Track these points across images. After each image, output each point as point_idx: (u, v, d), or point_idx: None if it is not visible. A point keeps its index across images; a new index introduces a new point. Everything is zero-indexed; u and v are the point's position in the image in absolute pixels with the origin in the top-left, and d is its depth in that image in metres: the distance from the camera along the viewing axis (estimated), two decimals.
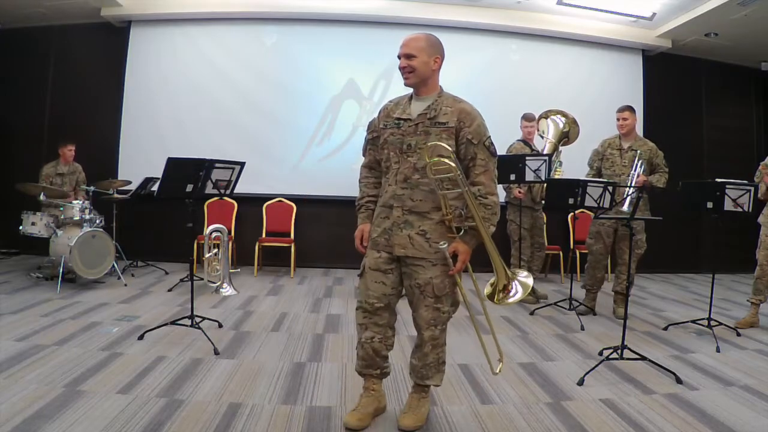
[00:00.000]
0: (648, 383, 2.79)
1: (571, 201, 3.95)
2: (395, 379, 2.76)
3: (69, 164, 5.49)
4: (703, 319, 3.82)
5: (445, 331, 2.23)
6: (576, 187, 3.92)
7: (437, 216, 2.10)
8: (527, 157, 4.40)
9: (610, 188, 3.88)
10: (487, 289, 2.19)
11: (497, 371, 2.26)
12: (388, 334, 2.24)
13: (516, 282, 2.17)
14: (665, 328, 3.97)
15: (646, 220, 3.99)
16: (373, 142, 2.28)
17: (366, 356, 2.23)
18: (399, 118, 2.16)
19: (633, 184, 4.05)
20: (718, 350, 3.41)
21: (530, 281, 2.18)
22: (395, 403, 2.45)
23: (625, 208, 3.90)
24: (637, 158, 4.15)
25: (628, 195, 4.01)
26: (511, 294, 2.16)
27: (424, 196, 2.10)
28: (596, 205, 3.86)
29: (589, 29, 6.54)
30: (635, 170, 4.11)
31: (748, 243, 4.43)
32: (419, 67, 2.09)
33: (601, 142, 4.49)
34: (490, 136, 2.12)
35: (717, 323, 3.78)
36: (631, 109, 4.27)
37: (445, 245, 2.07)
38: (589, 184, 3.88)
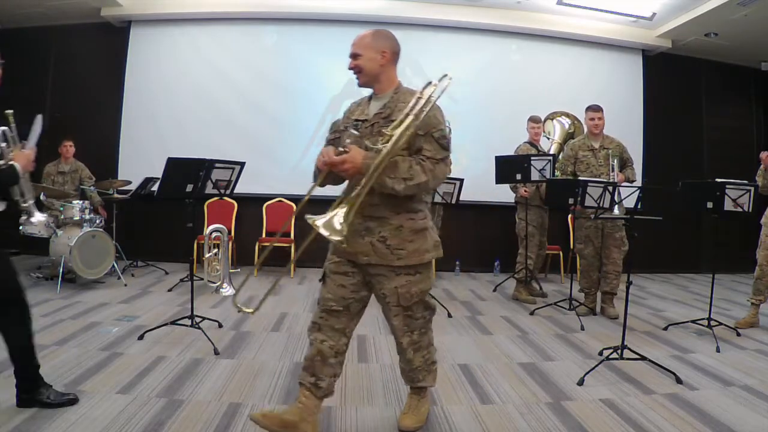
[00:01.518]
0: (648, 383, 2.79)
1: (570, 201, 3.96)
2: (395, 379, 2.76)
3: (70, 163, 5.49)
4: (703, 319, 3.82)
5: (426, 333, 2.16)
6: (576, 187, 3.93)
7: (396, 221, 1.98)
8: (532, 158, 4.51)
9: (610, 188, 3.88)
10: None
11: (239, 306, 1.98)
12: (341, 341, 2.06)
13: (336, 216, 1.77)
14: (665, 328, 3.97)
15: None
16: (334, 143, 2.08)
17: (308, 356, 2.05)
18: (357, 120, 2.06)
19: (617, 184, 4.05)
20: (718, 350, 3.41)
21: (338, 226, 1.75)
22: (396, 404, 2.45)
23: (616, 210, 3.88)
24: (611, 157, 4.23)
25: (620, 198, 3.97)
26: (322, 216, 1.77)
27: (380, 200, 1.94)
28: (596, 205, 3.86)
29: (589, 29, 6.55)
30: (613, 170, 4.18)
31: (748, 243, 4.44)
32: (365, 65, 2.01)
33: (569, 145, 4.59)
34: (443, 129, 1.97)
35: (717, 323, 3.78)
36: (602, 109, 4.35)
37: (350, 144, 1.88)
38: (589, 184, 3.89)
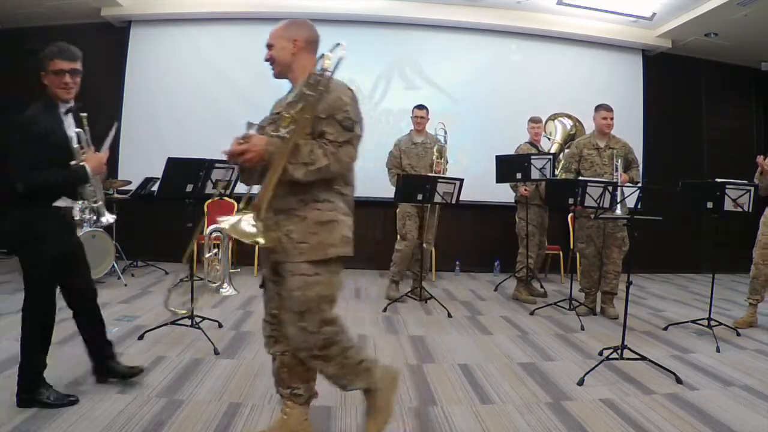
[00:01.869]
0: (648, 383, 2.79)
1: (570, 201, 3.96)
2: None
3: None
4: (703, 319, 3.82)
5: (335, 344, 1.86)
6: (576, 186, 3.93)
7: (303, 212, 1.84)
8: (532, 156, 4.54)
9: (610, 188, 3.88)
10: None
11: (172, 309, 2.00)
12: None
13: (245, 219, 1.69)
14: (665, 328, 3.97)
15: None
16: None
17: (274, 370, 2.01)
18: (275, 113, 1.97)
19: (620, 184, 4.02)
20: (718, 350, 3.41)
21: (249, 228, 1.68)
22: (395, 404, 2.45)
23: (618, 211, 3.87)
24: (615, 157, 4.21)
25: (622, 198, 3.91)
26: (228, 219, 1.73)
27: (287, 190, 1.81)
28: (596, 205, 3.86)
29: (589, 29, 6.55)
30: (617, 171, 4.15)
31: (748, 243, 4.43)
32: (277, 55, 1.95)
33: (575, 143, 4.60)
34: (348, 110, 1.82)
35: (717, 323, 3.77)
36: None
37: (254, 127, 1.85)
38: (589, 184, 3.89)
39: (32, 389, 2.23)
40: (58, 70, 2.19)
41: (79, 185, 2.31)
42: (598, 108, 4.39)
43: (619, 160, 4.19)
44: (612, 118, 4.31)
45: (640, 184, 4.23)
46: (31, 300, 2.26)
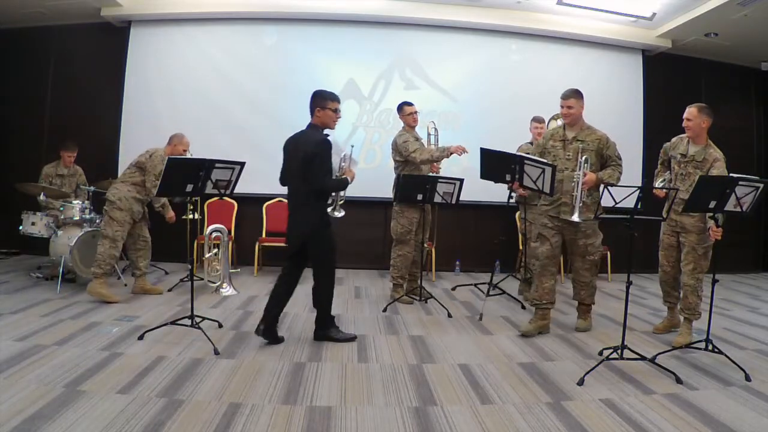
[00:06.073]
0: (648, 383, 2.79)
1: (507, 177, 3.66)
2: (395, 379, 2.76)
3: (69, 166, 5.50)
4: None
5: None
6: (512, 162, 3.57)
7: None
8: (525, 160, 4.48)
9: (549, 171, 3.42)
10: None
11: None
12: None
13: None
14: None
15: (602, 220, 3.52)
16: None
17: None
18: None
19: (581, 186, 3.45)
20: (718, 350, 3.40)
21: None
22: (395, 404, 2.45)
23: (575, 217, 3.41)
24: (580, 153, 3.56)
25: (578, 201, 3.43)
26: None
27: None
28: (535, 188, 3.51)
29: (589, 29, 6.54)
30: (581, 169, 3.47)
31: (748, 243, 4.43)
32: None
33: (544, 134, 4.11)
34: None
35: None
36: (577, 95, 3.72)
37: None
38: (526, 162, 3.46)
39: (325, 327, 3.39)
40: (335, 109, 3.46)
41: (339, 190, 3.62)
42: None
43: (585, 157, 3.53)
44: (570, 107, 3.69)
45: (637, 183, 4.13)
46: (328, 268, 3.35)
